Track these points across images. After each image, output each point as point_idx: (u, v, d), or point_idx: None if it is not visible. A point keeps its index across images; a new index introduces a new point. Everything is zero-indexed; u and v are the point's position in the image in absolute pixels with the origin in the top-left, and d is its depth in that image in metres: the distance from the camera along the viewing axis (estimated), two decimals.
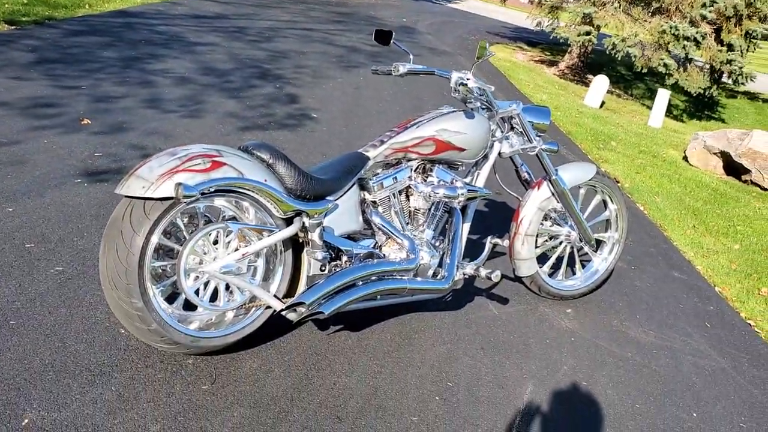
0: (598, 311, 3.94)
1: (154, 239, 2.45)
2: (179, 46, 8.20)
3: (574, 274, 4.05)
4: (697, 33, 12.69)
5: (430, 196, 3.12)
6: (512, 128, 3.54)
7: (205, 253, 2.59)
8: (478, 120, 3.25)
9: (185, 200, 2.38)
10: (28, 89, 5.44)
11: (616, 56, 13.50)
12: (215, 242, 2.64)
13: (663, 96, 12.27)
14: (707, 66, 14.31)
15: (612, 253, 4.05)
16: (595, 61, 17.18)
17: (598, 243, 4.04)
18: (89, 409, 2.32)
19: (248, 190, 2.57)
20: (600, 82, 12.58)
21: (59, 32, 7.70)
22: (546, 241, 3.89)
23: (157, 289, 2.57)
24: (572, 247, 3.92)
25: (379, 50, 11.17)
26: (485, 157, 3.46)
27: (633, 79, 17.41)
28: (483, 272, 3.20)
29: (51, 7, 9.06)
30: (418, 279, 3.06)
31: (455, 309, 3.56)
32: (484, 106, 3.40)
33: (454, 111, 3.24)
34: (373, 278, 2.89)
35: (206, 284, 2.67)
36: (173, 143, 4.88)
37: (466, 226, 3.37)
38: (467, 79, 3.13)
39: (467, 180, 3.44)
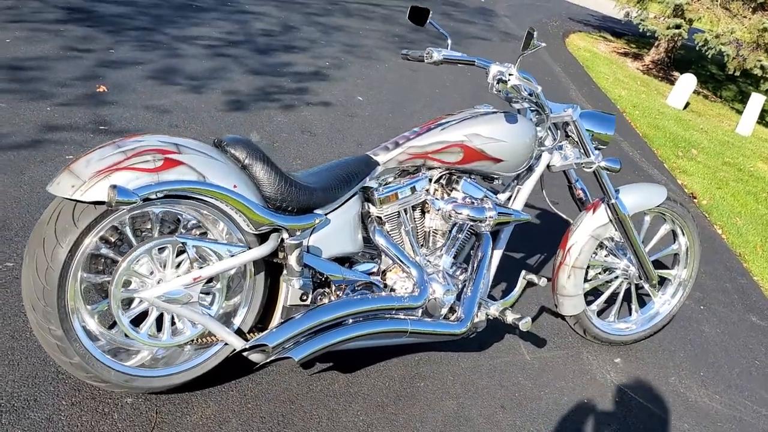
0: (653, 363, 3.26)
1: (82, 252, 1.94)
2: (227, 13, 7.72)
3: (629, 314, 3.38)
4: None
5: (450, 215, 2.52)
6: (567, 136, 2.89)
7: (152, 273, 2.07)
8: (522, 125, 2.62)
9: (121, 207, 1.87)
10: (44, 47, 5.03)
11: (707, 54, 12.38)
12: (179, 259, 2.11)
13: (757, 101, 11.13)
14: None
15: (677, 296, 3.36)
16: (684, 58, 15.96)
17: (662, 281, 3.36)
18: None
19: (210, 197, 2.02)
20: (686, 81, 11.52)
21: None
22: (598, 274, 3.23)
23: (95, 310, 2.08)
24: (629, 284, 3.25)
25: (448, 30, 10.48)
26: (530, 169, 2.82)
27: (724, 80, 16.09)
28: (510, 317, 2.58)
29: None
30: (426, 320, 2.46)
31: (477, 350, 2.96)
32: (533, 109, 2.76)
33: (493, 112, 2.61)
34: (364, 317, 2.31)
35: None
36: (171, 119, 4.39)
37: (497, 255, 2.75)
38: (509, 75, 2.48)
39: (505, 197, 2.82)
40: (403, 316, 2.39)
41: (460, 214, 2.49)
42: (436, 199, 2.53)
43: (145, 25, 6.35)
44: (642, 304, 3.42)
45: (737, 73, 12.41)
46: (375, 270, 2.51)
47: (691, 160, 7.51)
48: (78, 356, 1.98)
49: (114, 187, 1.80)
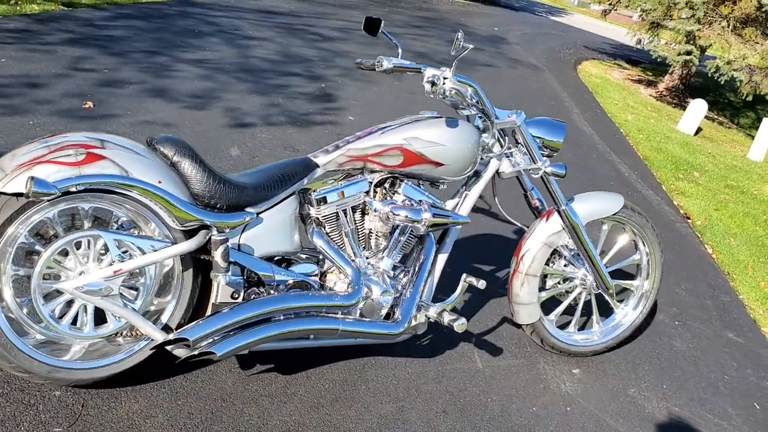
0: (614, 374, 3.22)
1: (5, 242, 1.99)
2: (229, 38, 7.88)
3: (591, 327, 3.35)
4: None
5: (388, 217, 2.53)
6: (517, 143, 2.91)
7: (79, 266, 2.11)
8: (463, 129, 2.64)
9: (40, 198, 1.92)
10: (38, 66, 5.19)
11: (720, 80, 12.29)
12: (105, 252, 2.15)
13: None
14: None
15: (639, 307, 3.32)
16: (702, 85, 15.88)
17: (623, 292, 3.33)
18: None
19: (134, 192, 2.07)
20: (696, 107, 11.44)
21: (109, 15, 7.54)
22: (558, 284, 3.20)
23: (23, 303, 2.12)
24: (589, 294, 3.22)
25: (451, 57, 10.58)
26: (477, 175, 2.84)
27: (742, 107, 15.95)
28: (447, 318, 2.57)
29: None
30: (359, 320, 2.46)
31: (429, 357, 2.95)
32: (479, 115, 2.78)
33: (434, 117, 2.64)
34: (293, 315, 2.33)
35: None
36: (151, 130, 4.47)
37: (442, 258, 2.76)
38: (444, 78, 2.51)
39: (453, 202, 2.83)
40: (334, 315, 2.40)
41: (398, 215, 2.51)
42: (373, 201, 2.54)
43: (145, 48, 6.50)
44: (606, 315, 3.38)
45: (749, 98, 12.29)
46: (315, 272, 2.53)
47: (692, 183, 7.44)
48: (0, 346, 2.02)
49: (32, 178, 1.86)
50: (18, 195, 1.94)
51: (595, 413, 2.89)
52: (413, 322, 2.57)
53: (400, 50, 2.77)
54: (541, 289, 3.14)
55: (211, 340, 2.14)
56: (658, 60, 13.60)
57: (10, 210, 1.98)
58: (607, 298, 3.23)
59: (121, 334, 2.23)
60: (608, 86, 12.99)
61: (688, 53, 12.32)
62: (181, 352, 2.19)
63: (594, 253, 3.05)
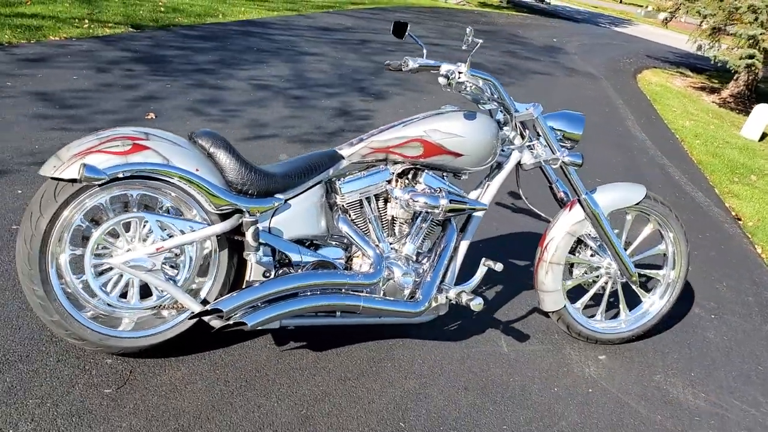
0: (641, 361, 3.29)
1: (61, 223, 2.27)
2: (284, 55, 8.23)
3: (619, 315, 3.43)
4: None
5: (408, 204, 2.71)
6: (539, 136, 3.05)
7: (127, 244, 2.38)
8: (481, 122, 2.80)
9: (91, 183, 2.20)
10: (104, 81, 5.60)
11: None
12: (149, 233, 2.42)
13: None
14: None
15: (666, 296, 3.38)
16: None
17: (649, 281, 3.40)
18: None
19: (175, 179, 2.32)
20: (761, 112, 11.17)
21: (173, 35, 8.00)
22: (585, 273, 3.31)
23: (79, 279, 2.39)
24: (615, 283, 3.31)
25: (503, 66, 10.69)
26: (499, 167, 3.00)
27: None
28: (464, 298, 2.73)
29: (186, 15, 9.50)
30: (380, 298, 2.65)
31: (456, 340, 3.10)
32: (500, 109, 2.95)
33: (452, 110, 2.82)
34: (319, 291, 2.53)
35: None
36: None
37: (464, 245, 2.92)
38: (459, 72, 2.69)
39: (476, 192, 3.00)
40: (356, 293, 2.59)
41: (417, 202, 2.69)
42: (394, 189, 2.73)
43: (206, 64, 6.89)
44: (634, 304, 3.45)
45: None
46: (341, 256, 2.73)
47: (747, 186, 7.33)
48: (57, 314, 2.29)
49: (84, 165, 2.13)
50: (72, 181, 2.22)
51: (616, 395, 2.98)
52: (434, 303, 2.73)
53: (425, 51, 2.96)
54: (568, 278, 3.26)
55: (242, 312, 2.36)
56: (719, 65, 13.34)
57: (66, 194, 2.25)
58: (633, 286, 3.32)
59: (165, 307, 2.48)
60: (668, 94, 12.83)
61: (750, 57, 12.06)
62: (216, 323, 2.42)
63: (615, 242, 3.15)
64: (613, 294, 3.36)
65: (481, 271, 2.82)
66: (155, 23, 8.50)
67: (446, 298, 2.77)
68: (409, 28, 2.94)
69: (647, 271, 3.36)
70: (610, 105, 9.90)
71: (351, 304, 2.56)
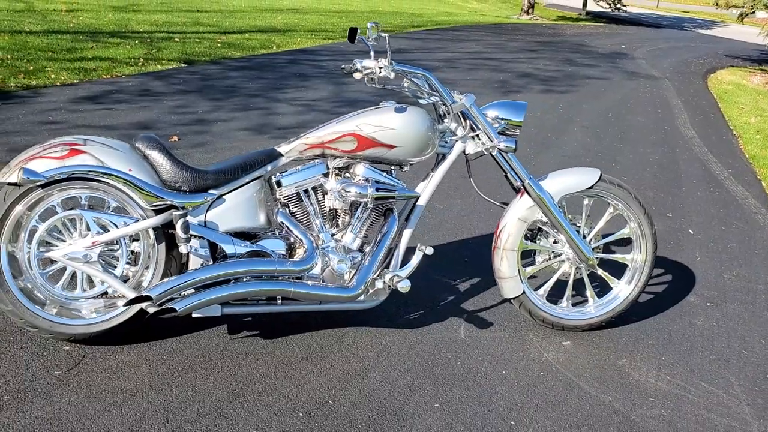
0: (608, 347, 3.25)
1: (11, 221, 2.56)
2: (329, 78, 8.54)
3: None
4: None
5: (341, 194, 2.85)
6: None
7: (68, 239, 2.64)
8: (412, 114, 2.92)
9: (31, 185, 2.48)
10: (143, 113, 6.04)
11: None
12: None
13: None
14: None
15: (633, 281, 3.34)
16: None
17: (622, 266, 3.38)
18: None
19: (109, 179, 2.57)
20: None
21: (219, 68, 8.49)
22: (547, 259, 3.33)
23: (31, 272, 2.66)
24: (579, 269, 3.31)
25: (556, 72, 10.60)
26: (444, 158, 3.09)
27: None
28: (395, 281, 2.84)
29: (240, 49, 10.02)
30: (309, 283, 2.79)
31: (412, 328, 3.19)
32: (440, 102, 3.05)
33: (384, 105, 2.95)
34: (252, 278, 2.70)
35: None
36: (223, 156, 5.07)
37: (407, 233, 3.02)
38: (379, 67, 2.86)
39: (423, 184, 3.10)
40: (287, 279, 2.74)
41: (348, 192, 2.83)
42: (327, 181, 2.88)
43: (246, 90, 7.28)
44: (607, 291, 3.42)
45: None
46: (282, 247, 2.89)
47: None
48: (11, 304, 2.58)
49: (22, 169, 2.42)
50: (14, 184, 2.51)
51: (569, 378, 2.97)
52: (369, 288, 2.85)
53: (372, 53, 3.10)
54: (529, 264, 3.29)
55: (173, 298, 2.56)
56: None
57: (13, 196, 2.54)
58: (599, 272, 3.30)
59: (113, 296, 2.72)
60: (740, 91, 12.31)
61: None
62: (152, 309, 2.63)
63: (567, 227, 3.15)
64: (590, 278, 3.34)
65: (417, 256, 2.92)
66: (207, 57, 9.03)
67: (383, 282, 2.87)
68: (359, 32, 3.10)
69: (616, 257, 3.34)
70: (664, 105, 9.64)
71: (281, 290, 2.72)
